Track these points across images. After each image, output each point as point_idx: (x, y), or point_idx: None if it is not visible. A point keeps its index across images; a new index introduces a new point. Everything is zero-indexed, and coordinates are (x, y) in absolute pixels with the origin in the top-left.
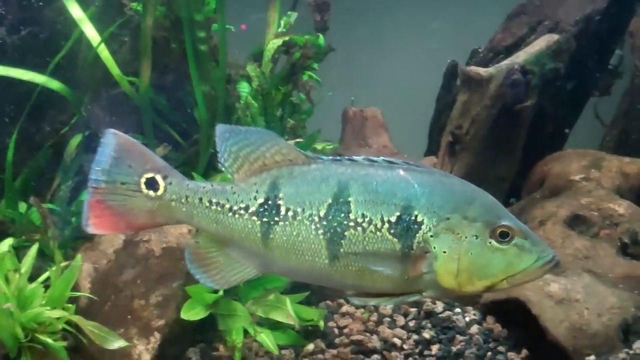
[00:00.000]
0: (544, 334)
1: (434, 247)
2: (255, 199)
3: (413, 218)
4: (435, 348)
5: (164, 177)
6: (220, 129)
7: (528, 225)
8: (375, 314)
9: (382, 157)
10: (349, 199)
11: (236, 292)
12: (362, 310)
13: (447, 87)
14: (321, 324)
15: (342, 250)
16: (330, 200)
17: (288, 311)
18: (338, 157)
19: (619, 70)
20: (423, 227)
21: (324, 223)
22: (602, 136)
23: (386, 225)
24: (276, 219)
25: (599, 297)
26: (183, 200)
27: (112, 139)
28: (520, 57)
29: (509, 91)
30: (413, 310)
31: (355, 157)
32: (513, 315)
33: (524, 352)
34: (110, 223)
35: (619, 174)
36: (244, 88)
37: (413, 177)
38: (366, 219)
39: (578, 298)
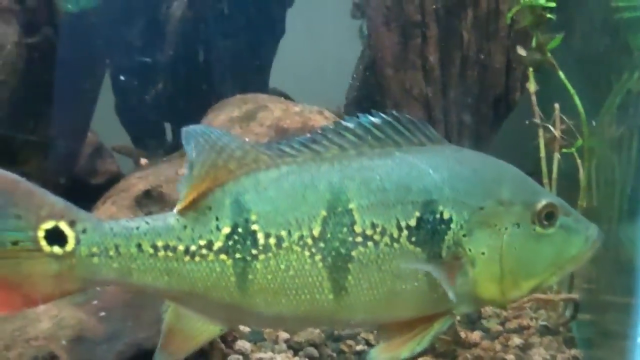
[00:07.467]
0: None
1: (469, 250)
2: (218, 229)
3: (438, 216)
4: None
5: (71, 224)
6: (187, 133)
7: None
8: None
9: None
10: (350, 205)
11: None
12: None
13: None
14: None
15: (350, 277)
16: (324, 212)
17: None
18: (304, 138)
19: None
20: (452, 225)
21: (321, 245)
22: None
23: (404, 232)
24: (254, 252)
25: (25, 321)
26: (112, 253)
27: None
28: None
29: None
30: None
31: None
32: None
33: None
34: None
35: (274, 129)
36: None
37: (422, 160)
38: (377, 229)
39: None
